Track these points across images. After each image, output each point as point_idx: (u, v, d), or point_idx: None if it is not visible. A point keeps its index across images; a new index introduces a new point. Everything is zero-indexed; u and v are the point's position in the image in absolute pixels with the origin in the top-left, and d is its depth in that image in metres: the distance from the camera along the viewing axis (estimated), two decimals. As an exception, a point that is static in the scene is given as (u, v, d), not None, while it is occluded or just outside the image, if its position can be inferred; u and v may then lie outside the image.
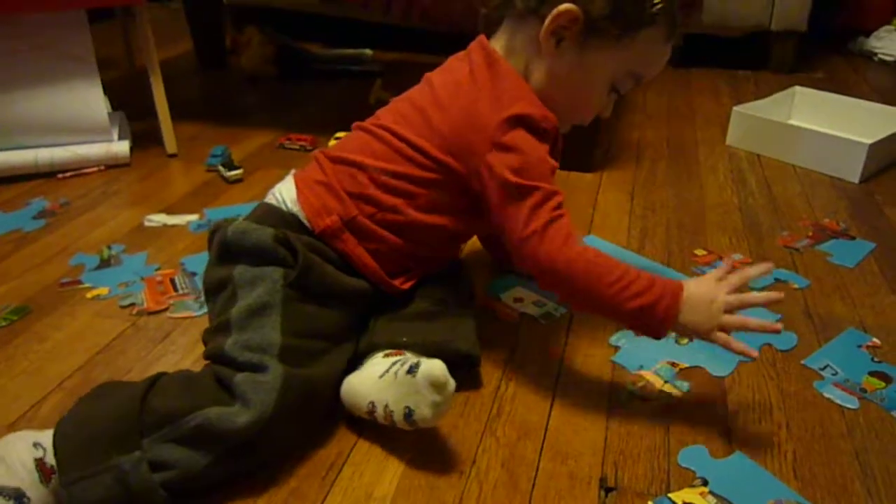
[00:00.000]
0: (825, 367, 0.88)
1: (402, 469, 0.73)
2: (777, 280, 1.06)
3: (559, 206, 0.77)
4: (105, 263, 1.09)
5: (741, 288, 0.76)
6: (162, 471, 0.65)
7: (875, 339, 0.93)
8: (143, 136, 1.51)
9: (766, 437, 0.78)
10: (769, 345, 0.92)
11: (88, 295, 1.01)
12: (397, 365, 0.73)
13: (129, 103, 1.57)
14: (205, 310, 0.95)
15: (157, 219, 1.22)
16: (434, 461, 0.73)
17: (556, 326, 0.95)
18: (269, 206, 0.84)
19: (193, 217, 1.23)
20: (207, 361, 0.75)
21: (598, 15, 0.76)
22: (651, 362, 0.88)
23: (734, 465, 0.74)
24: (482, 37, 0.84)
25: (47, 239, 1.16)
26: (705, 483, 0.71)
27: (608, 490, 0.71)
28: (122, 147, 1.42)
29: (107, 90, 1.41)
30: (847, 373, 0.87)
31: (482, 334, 0.86)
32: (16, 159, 1.35)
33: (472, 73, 0.81)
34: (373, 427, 0.76)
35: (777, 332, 0.75)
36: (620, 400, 0.83)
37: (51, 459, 0.65)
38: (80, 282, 1.04)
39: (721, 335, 0.75)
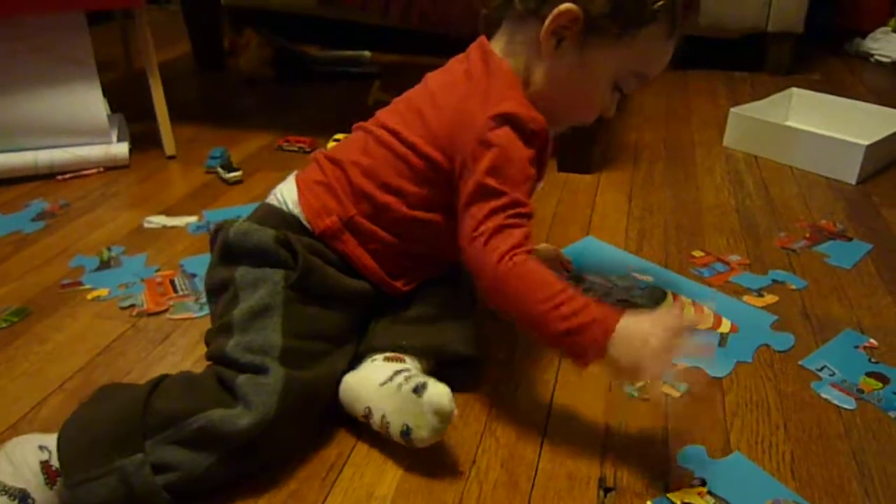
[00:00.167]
0: (822, 368, 0.89)
1: (403, 469, 0.73)
2: (774, 281, 1.07)
3: (520, 217, 0.74)
4: (105, 265, 1.09)
5: (682, 332, 0.68)
6: (165, 473, 0.65)
7: (872, 340, 0.94)
8: (142, 138, 1.51)
9: (763, 437, 0.78)
10: (767, 346, 0.92)
11: (88, 296, 1.01)
12: (401, 377, 0.72)
13: (128, 105, 1.57)
14: (205, 311, 0.96)
15: (157, 220, 1.22)
16: (434, 461, 0.74)
17: (555, 327, 0.95)
18: (271, 206, 0.84)
19: (192, 219, 1.23)
20: (209, 362, 0.75)
21: (599, 14, 0.75)
22: (650, 363, 0.88)
23: (732, 465, 0.74)
24: (482, 38, 0.84)
25: (47, 240, 1.17)
26: (703, 483, 0.71)
27: (607, 490, 0.71)
28: (121, 149, 1.43)
29: (106, 92, 1.41)
30: (844, 373, 0.88)
31: (482, 334, 0.87)
32: (15, 161, 1.35)
33: (467, 73, 0.81)
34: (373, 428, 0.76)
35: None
36: (619, 400, 0.83)
37: (56, 462, 0.65)
38: (80, 283, 1.04)
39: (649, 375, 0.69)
